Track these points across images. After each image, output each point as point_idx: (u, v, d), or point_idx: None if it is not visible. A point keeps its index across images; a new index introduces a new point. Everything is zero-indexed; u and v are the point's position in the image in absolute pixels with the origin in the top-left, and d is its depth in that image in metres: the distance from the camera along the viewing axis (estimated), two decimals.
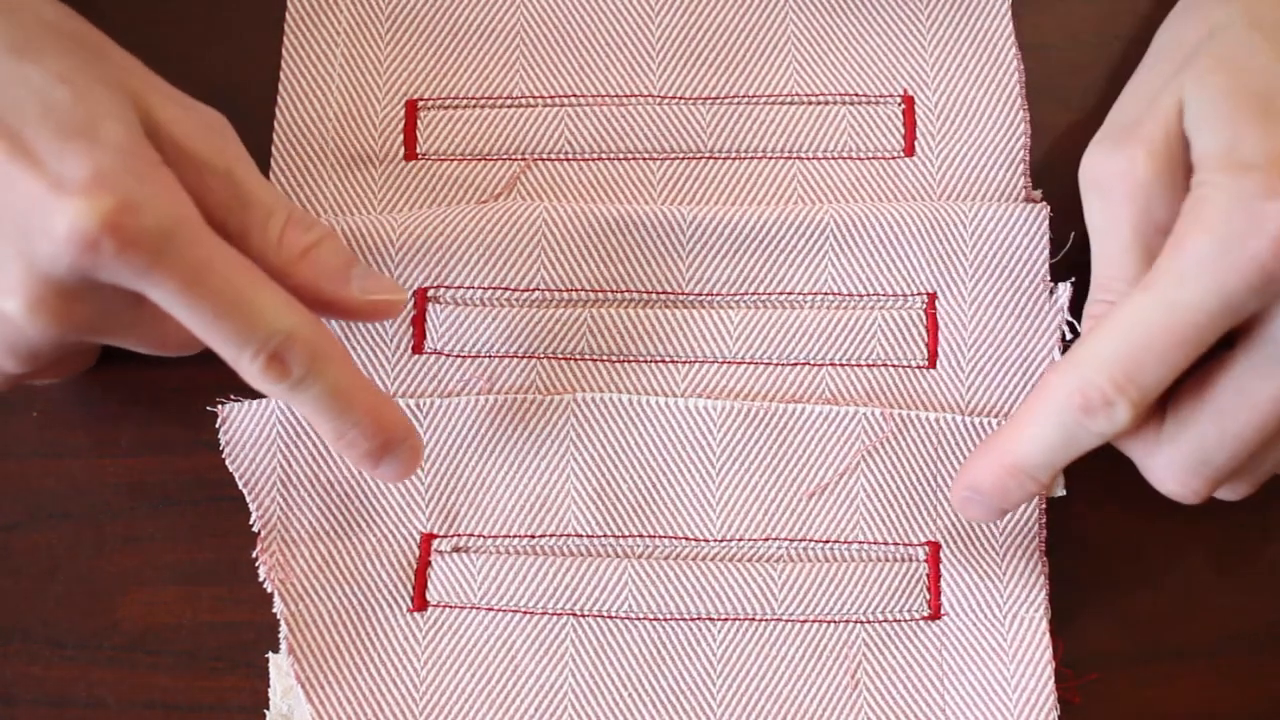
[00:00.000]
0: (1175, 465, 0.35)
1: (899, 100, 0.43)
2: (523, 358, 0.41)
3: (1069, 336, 0.41)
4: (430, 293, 0.41)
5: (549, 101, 0.43)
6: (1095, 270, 0.37)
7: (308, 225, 0.36)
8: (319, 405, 0.34)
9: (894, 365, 0.41)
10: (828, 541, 0.40)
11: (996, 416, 0.40)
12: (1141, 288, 0.34)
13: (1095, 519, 0.41)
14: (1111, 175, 0.36)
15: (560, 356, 0.41)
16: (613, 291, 0.41)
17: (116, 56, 0.35)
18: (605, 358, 0.41)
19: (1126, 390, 0.33)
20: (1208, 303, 0.32)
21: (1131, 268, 0.36)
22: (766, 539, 0.40)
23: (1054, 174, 0.42)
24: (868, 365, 0.41)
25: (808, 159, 0.42)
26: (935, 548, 0.40)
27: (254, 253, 0.34)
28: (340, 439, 0.35)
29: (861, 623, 0.39)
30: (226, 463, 0.40)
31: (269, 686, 0.39)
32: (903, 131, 0.42)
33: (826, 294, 0.41)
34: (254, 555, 0.39)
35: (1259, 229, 0.32)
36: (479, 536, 0.40)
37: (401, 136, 0.42)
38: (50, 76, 0.32)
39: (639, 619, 0.40)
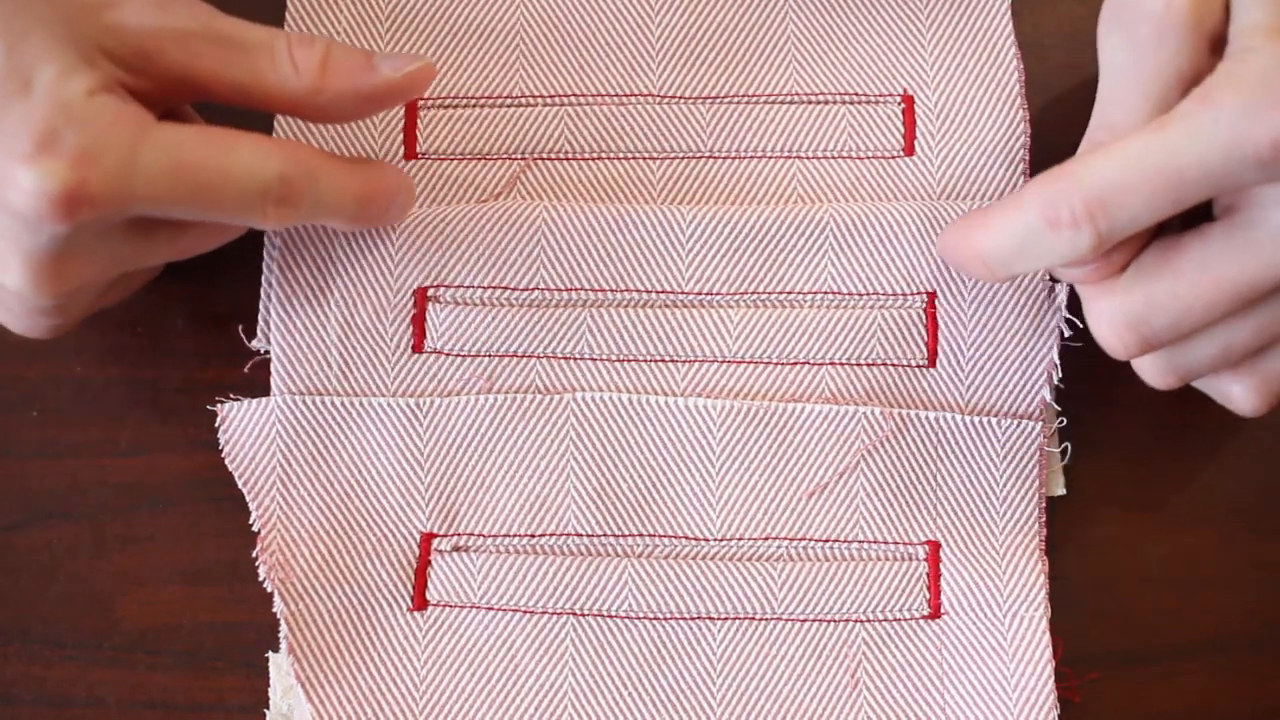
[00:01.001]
0: (1116, 313, 0.35)
1: (899, 100, 0.43)
2: (523, 357, 0.41)
3: (1068, 335, 0.41)
4: (430, 293, 0.41)
5: (549, 101, 0.43)
6: (1100, 109, 0.36)
7: (309, 40, 0.35)
8: (332, 213, 0.36)
9: (894, 365, 0.41)
10: (828, 541, 0.40)
11: (997, 416, 0.40)
12: (1154, 126, 0.33)
13: (1095, 519, 0.41)
14: (1144, 15, 0.35)
15: (560, 356, 0.41)
16: (613, 291, 0.41)
17: None
18: (605, 358, 0.41)
19: (1096, 218, 0.33)
20: (1210, 159, 0.32)
21: (1142, 112, 0.35)
22: (766, 538, 0.40)
23: None
24: (867, 365, 0.41)
25: (808, 159, 0.42)
26: (935, 547, 0.40)
27: (275, 89, 0.35)
28: (354, 223, 0.38)
29: (861, 622, 0.39)
30: (226, 462, 0.40)
31: (269, 686, 0.39)
32: (902, 131, 0.42)
33: (826, 293, 0.41)
34: (254, 555, 0.39)
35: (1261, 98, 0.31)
36: (479, 536, 0.40)
37: (401, 136, 0.42)
38: None
39: (639, 618, 0.40)
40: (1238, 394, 0.37)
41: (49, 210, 0.30)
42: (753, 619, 0.39)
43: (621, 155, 0.42)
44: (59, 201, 0.30)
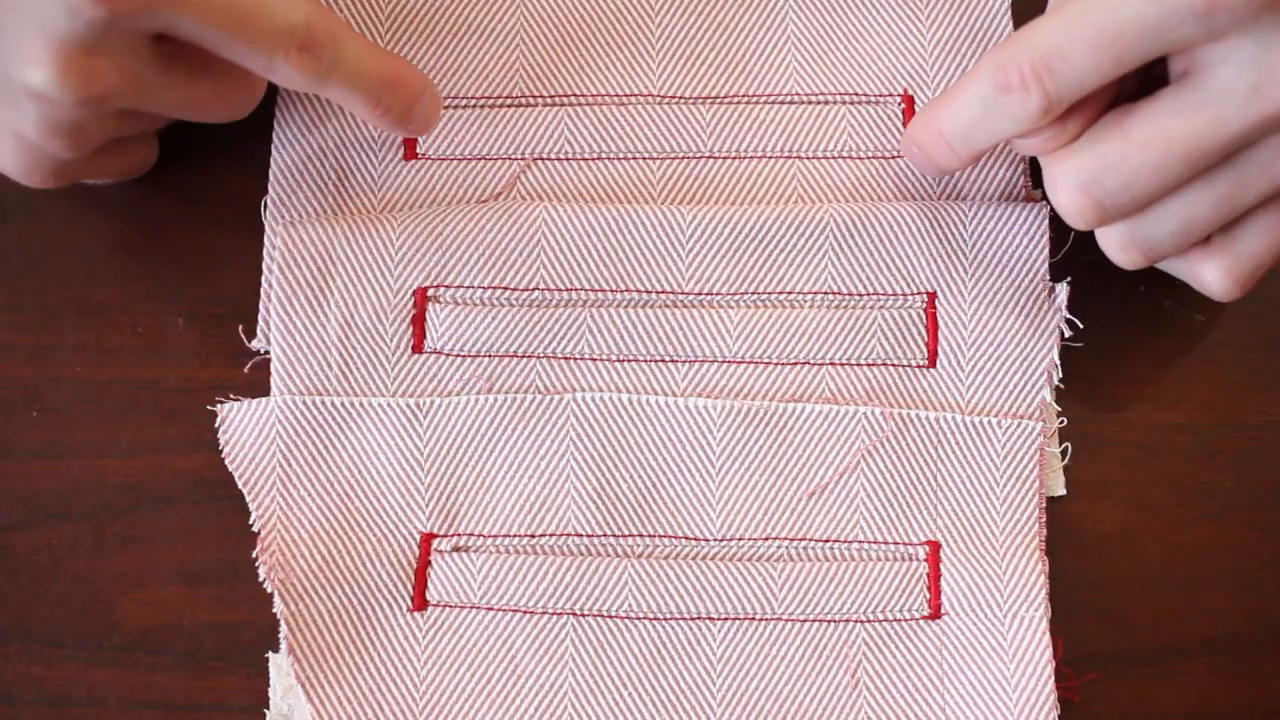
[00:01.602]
0: (1070, 176, 0.35)
1: (899, 100, 0.43)
2: (523, 358, 0.41)
3: (1068, 335, 0.41)
4: (430, 293, 0.41)
5: (549, 101, 0.43)
6: None
7: None
8: (352, 83, 0.36)
9: (894, 365, 0.41)
10: (828, 541, 0.40)
11: (997, 416, 0.40)
12: None
13: (1095, 519, 0.41)
14: None
15: (560, 356, 0.41)
16: (613, 291, 0.41)
17: None
18: (605, 358, 0.41)
19: (1043, 78, 0.33)
20: (1145, 13, 0.32)
21: None
22: (766, 538, 0.40)
23: None
24: (868, 365, 0.41)
25: (808, 159, 0.42)
26: (935, 547, 0.40)
27: None
28: (376, 108, 0.37)
29: (861, 622, 0.39)
30: (226, 463, 0.40)
31: (269, 686, 0.39)
32: (902, 130, 0.42)
33: (826, 294, 0.41)
34: (254, 555, 0.39)
35: None
36: (479, 536, 0.40)
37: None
38: None
39: (639, 619, 0.40)
40: (1210, 276, 0.37)
41: None
42: (753, 619, 0.39)
43: (621, 156, 0.42)
44: None
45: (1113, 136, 0.35)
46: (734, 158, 0.42)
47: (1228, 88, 0.33)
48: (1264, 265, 0.37)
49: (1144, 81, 0.36)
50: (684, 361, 0.41)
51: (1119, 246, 0.37)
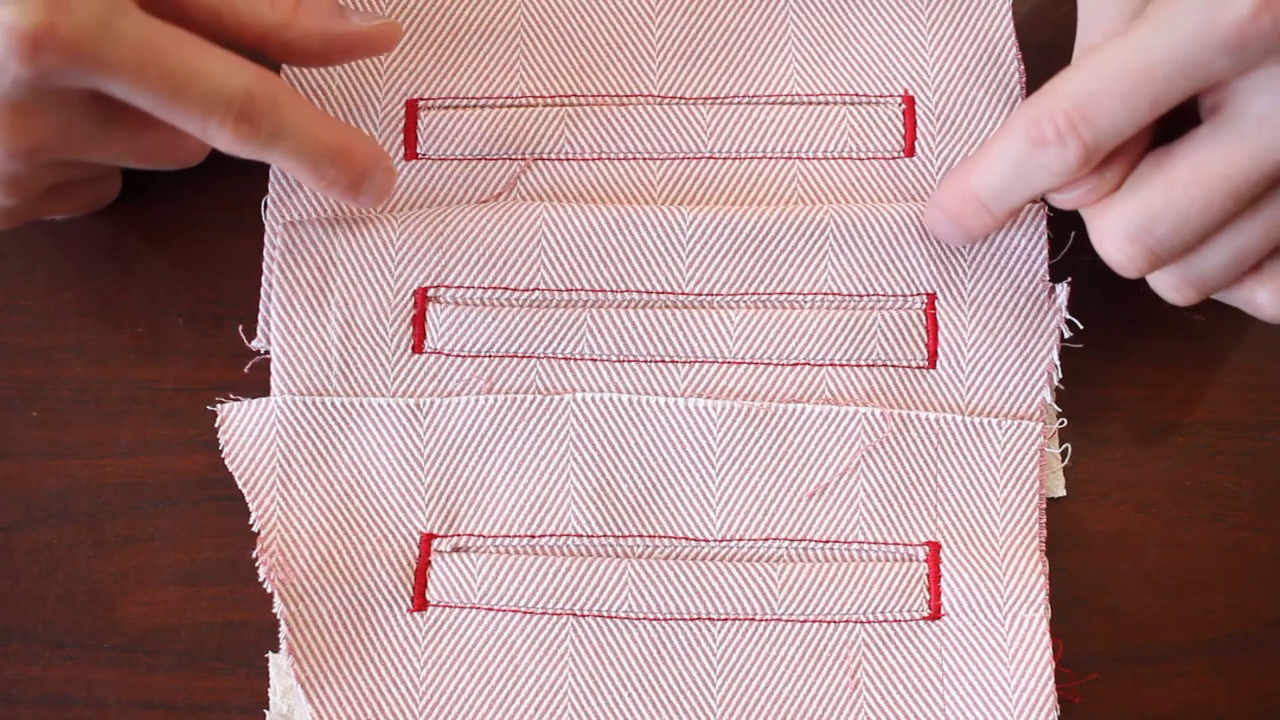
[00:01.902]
0: (1118, 228, 0.35)
1: (899, 100, 0.43)
2: (523, 358, 0.41)
3: (1068, 336, 0.41)
4: (430, 293, 0.41)
5: (549, 101, 0.43)
6: (1081, 30, 0.37)
7: None
8: (295, 154, 0.35)
9: (894, 365, 0.41)
10: (828, 541, 0.40)
11: (997, 416, 0.40)
12: (1122, 32, 0.33)
13: (1095, 519, 0.41)
14: None
15: (560, 356, 0.41)
16: (613, 291, 0.41)
17: None
18: (605, 358, 0.41)
19: (1079, 127, 0.33)
20: (1177, 53, 0.32)
21: (1119, 25, 0.35)
22: (766, 539, 0.40)
23: None
24: (868, 365, 0.41)
25: (808, 159, 0.42)
26: (935, 548, 0.40)
27: (247, 18, 0.35)
28: (321, 180, 0.36)
29: (861, 623, 0.39)
30: (226, 463, 0.40)
31: (269, 686, 0.39)
32: (903, 131, 0.42)
33: (826, 294, 0.41)
34: (254, 555, 0.39)
35: None
36: (479, 536, 0.40)
37: (401, 136, 0.42)
38: None
39: (639, 619, 0.40)
40: (1265, 301, 0.37)
41: (16, 48, 0.31)
42: (753, 620, 0.39)
43: (622, 156, 0.42)
44: (26, 40, 0.31)
45: (1155, 182, 0.34)
46: (734, 158, 0.42)
47: (1265, 118, 0.33)
48: None
49: (1176, 121, 0.36)
50: (684, 362, 0.41)
51: (1173, 287, 0.36)
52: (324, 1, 0.37)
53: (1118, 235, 0.35)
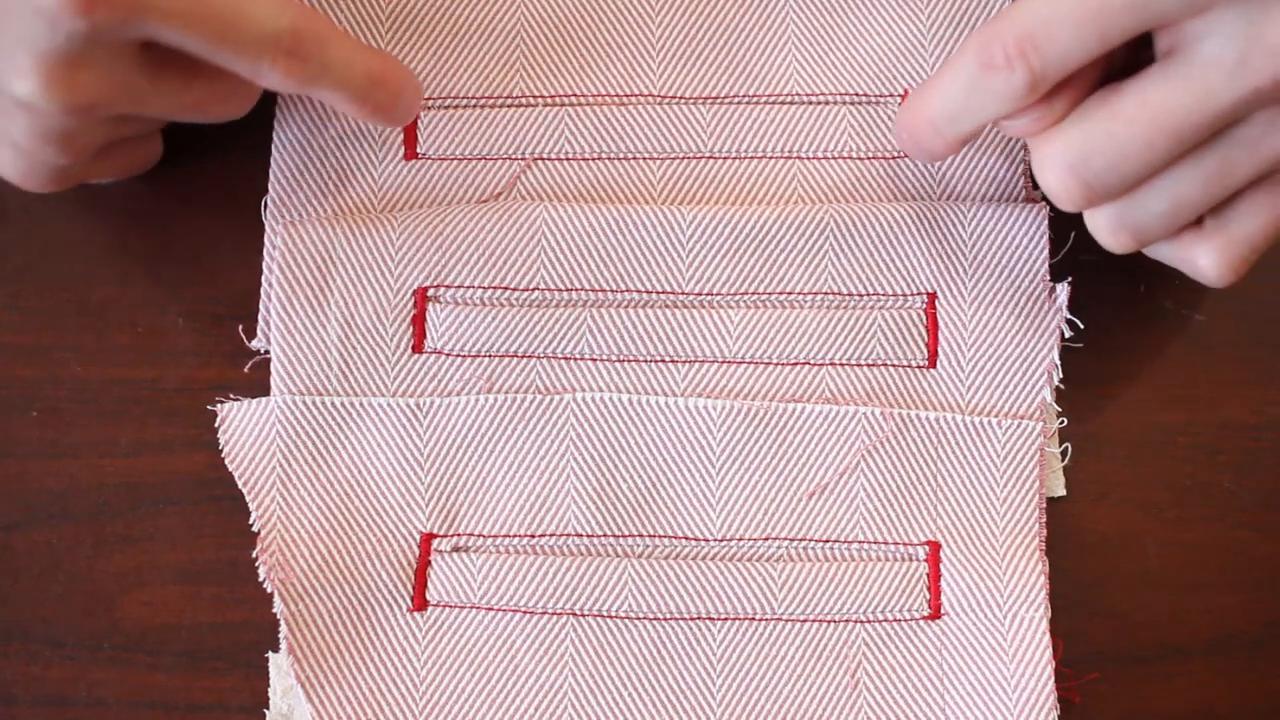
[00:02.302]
0: (1057, 156, 0.35)
1: (899, 100, 0.43)
2: (523, 358, 0.41)
3: (1068, 335, 0.41)
4: (430, 293, 0.41)
5: (549, 101, 0.43)
6: None
7: None
8: (341, 86, 0.36)
9: (894, 365, 0.41)
10: (828, 541, 0.40)
11: (997, 416, 0.40)
12: None
13: (1095, 519, 0.41)
14: None
15: (560, 356, 0.41)
16: (613, 291, 0.41)
17: None
18: (605, 358, 0.41)
19: (1027, 55, 0.33)
20: None
21: None
22: (766, 539, 0.40)
23: None
24: (868, 365, 0.41)
25: (808, 159, 0.42)
26: (935, 547, 0.40)
27: None
28: (365, 105, 0.37)
29: (861, 622, 0.39)
30: (226, 463, 0.40)
31: (269, 686, 0.39)
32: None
33: (826, 294, 0.41)
34: (254, 555, 0.39)
35: None
36: (479, 536, 0.40)
37: (401, 136, 0.42)
38: None
39: (639, 619, 0.40)
40: (1203, 261, 0.37)
41: (72, 7, 0.31)
42: (753, 619, 0.39)
43: (622, 156, 0.42)
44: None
45: (1099, 115, 0.34)
46: (734, 158, 0.42)
47: (1213, 61, 0.33)
48: (1258, 247, 0.36)
49: (1132, 63, 0.36)
50: (684, 361, 0.41)
51: (1108, 229, 0.36)
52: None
53: (1057, 164, 0.35)
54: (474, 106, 0.43)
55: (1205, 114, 0.33)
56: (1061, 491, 0.41)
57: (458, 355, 0.41)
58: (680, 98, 0.43)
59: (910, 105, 0.37)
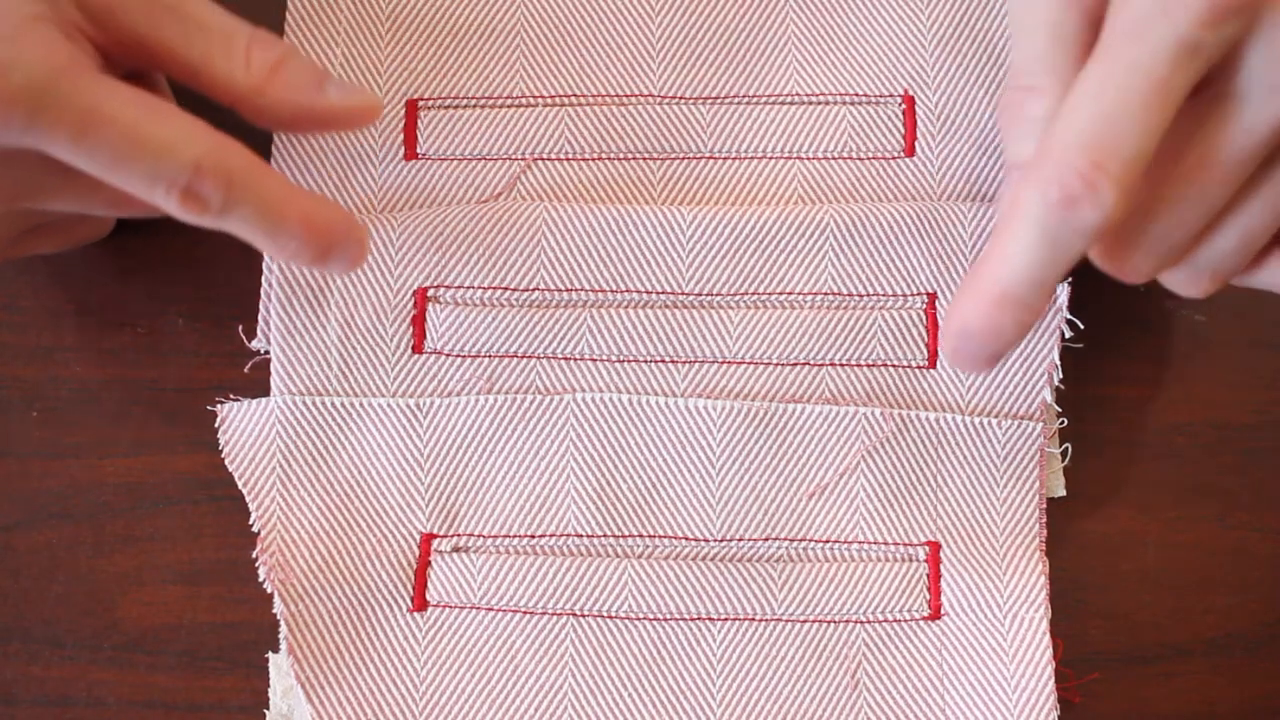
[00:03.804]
0: (1183, 269, 0.34)
1: (899, 100, 0.43)
2: (523, 358, 0.41)
3: (1068, 335, 0.41)
4: (430, 293, 0.41)
5: (549, 101, 0.43)
6: (1014, 60, 0.35)
7: (270, 43, 0.35)
8: (249, 227, 0.33)
9: (894, 365, 0.41)
10: (828, 541, 0.40)
11: (996, 416, 0.40)
12: (1094, 59, 0.31)
13: (1095, 519, 0.41)
14: None
15: (560, 356, 0.41)
16: (613, 291, 0.41)
17: None
18: (605, 358, 0.41)
19: (1107, 165, 0.29)
20: (1165, 48, 0.30)
21: (1055, 56, 0.33)
22: (766, 539, 0.40)
23: None
24: (868, 365, 0.41)
25: (808, 159, 0.42)
26: (935, 548, 0.40)
27: (222, 79, 0.34)
28: (281, 252, 0.34)
29: (861, 623, 0.39)
30: (226, 463, 0.40)
31: (269, 686, 0.39)
32: (903, 131, 0.42)
33: (826, 294, 0.41)
34: (254, 555, 0.39)
35: None
36: (479, 536, 0.40)
37: (401, 136, 0.42)
38: None
39: (639, 619, 0.40)
40: None
41: None
42: (753, 620, 0.39)
43: (622, 156, 0.42)
44: None
45: (1175, 201, 0.32)
46: (734, 158, 0.42)
47: (1245, 94, 0.31)
48: None
49: None
50: (684, 362, 0.41)
51: (1189, 282, 0.35)
52: (305, 71, 0.35)
53: (1188, 276, 0.34)
54: (474, 106, 0.43)
55: (1250, 149, 0.32)
56: (1061, 491, 0.41)
57: (458, 355, 0.41)
58: (680, 98, 0.43)
59: (970, 295, 0.31)
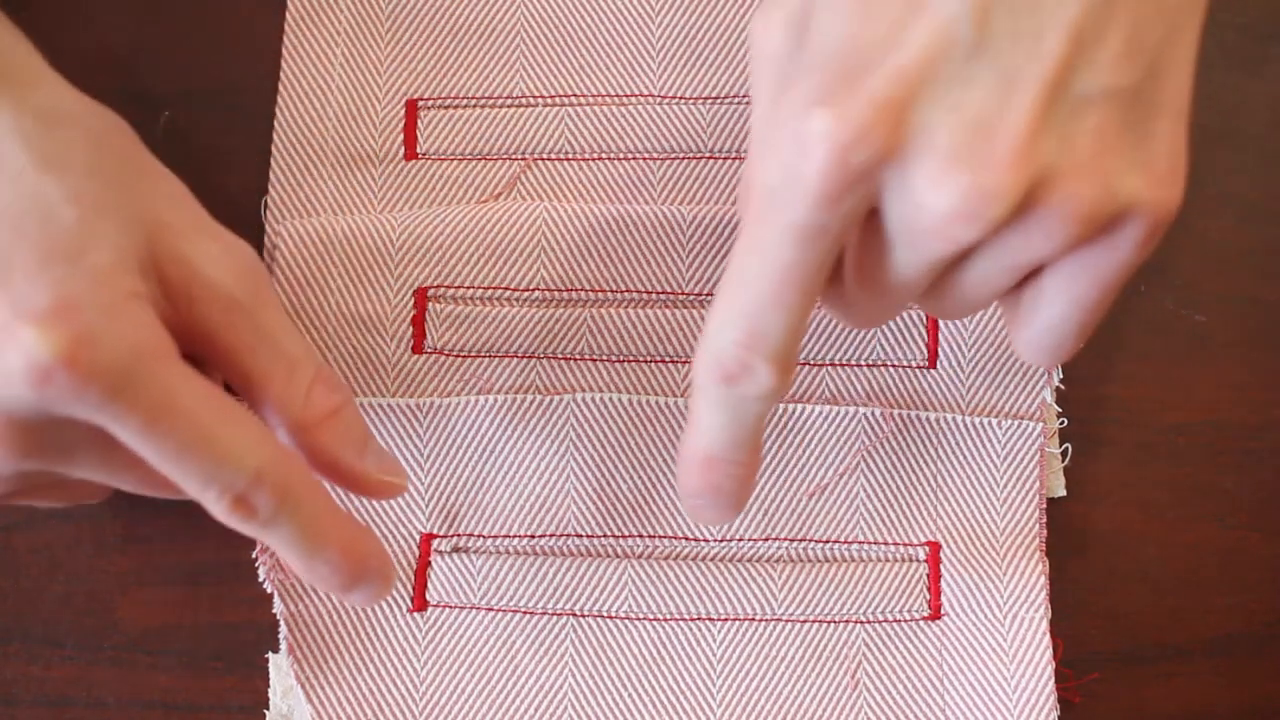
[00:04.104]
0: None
1: None
2: (523, 358, 0.41)
3: None
4: (430, 293, 0.41)
5: (549, 101, 0.43)
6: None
7: (335, 385, 0.34)
8: (288, 544, 0.32)
9: (894, 365, 0.41)
10: (828, 541, 0.40)
11: (996, 416, 0.40)
12: (736, 244, 0.31)
13: (1095, 519, 0.41)
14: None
15: (560, 356, 0.41)
16: (613, 291, 0.41)
17: (153, 182, 0.34)
18: (605, 358, 0.41)
19: (757, 347, 0.31)
20: (787, 235, 0.30)
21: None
22: (766, 539, 0.40)
23: None
24: (868, 365, 0.41)
25: None
26: (935, 548, 0.40)
27: (275, 399, 0.33)
28: (310, 574, 0.33)
29: (861, 623, 0.39)
30: None
31: (269, 686, 0.39)
32: None
33: None
34: (254, 555, 0.39)
35: (803, 140, 0.29)
36: (479, 536, 0.40)
37: (401, 136, 0.42)
38: (64, 194, 0.31)
39: (639, 619, 0.40)
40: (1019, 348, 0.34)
41: (35, 372, 0.29)
42: (753, 620, 0.39)
43: (621, 155, 0.42)
44: (37, 370, 0.29)
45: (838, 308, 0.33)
46: (734, 158, 0.42)
47: (894, 240, 0.30)
48: (1064, 330, 0.33)
49: None
50: (684, 362, 0.41)
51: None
52: (356, 429, 0.34)
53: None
54: (474, 106, 0.43)
55: (913, 281, 0.31)
56: (1061, 491, 0.41)
57: (458, 355, 0.41)
58: (680, 98, 0.43)
59: (686, 467, 0.33)
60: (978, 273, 0.31)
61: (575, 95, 0.43)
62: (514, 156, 0.42)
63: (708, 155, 0.42)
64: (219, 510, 0.31)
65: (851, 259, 0.32)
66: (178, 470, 0.31)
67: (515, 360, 0.41)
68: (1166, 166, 0.30)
